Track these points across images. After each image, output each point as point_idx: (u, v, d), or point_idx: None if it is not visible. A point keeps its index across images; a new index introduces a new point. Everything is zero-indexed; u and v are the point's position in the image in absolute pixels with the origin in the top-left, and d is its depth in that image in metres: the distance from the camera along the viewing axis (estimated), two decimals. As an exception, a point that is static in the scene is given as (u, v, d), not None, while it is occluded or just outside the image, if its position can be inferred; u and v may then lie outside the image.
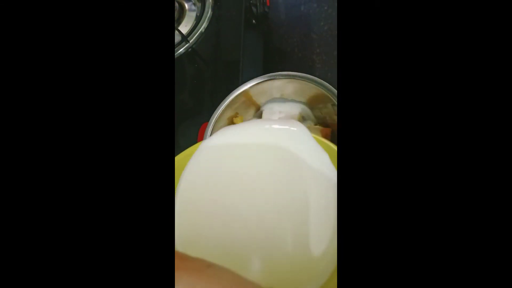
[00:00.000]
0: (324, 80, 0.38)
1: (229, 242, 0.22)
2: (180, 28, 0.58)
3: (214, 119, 0.39)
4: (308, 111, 0.43)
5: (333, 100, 0.37)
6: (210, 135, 0.38)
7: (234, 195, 0.24)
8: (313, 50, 0.66)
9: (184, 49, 0.56)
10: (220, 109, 0.40)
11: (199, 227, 0.24)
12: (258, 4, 0.60)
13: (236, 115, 0.43)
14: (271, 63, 0.66)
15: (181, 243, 0.23)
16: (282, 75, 0.40)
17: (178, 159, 0.27)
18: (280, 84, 0.41)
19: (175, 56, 0.56)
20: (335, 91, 0.37)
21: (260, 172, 0.25)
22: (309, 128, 0.41)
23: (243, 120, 0.43)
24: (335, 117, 0.40)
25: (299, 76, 0.39)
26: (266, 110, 0.44)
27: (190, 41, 0.56)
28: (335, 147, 0.24)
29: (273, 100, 0.44)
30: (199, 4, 0.62)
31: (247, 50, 0.55)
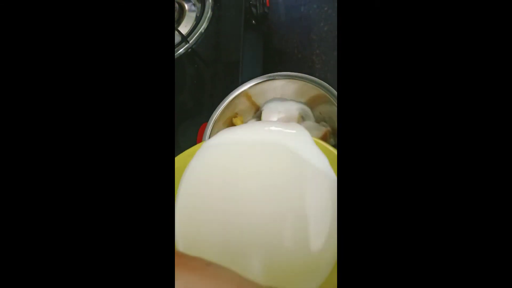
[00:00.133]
0: (323, 81, 0.38)
1: (230, 241, 0.23)
2: (180, 28, 0.58)
3: (213, 119, 0.39)
4: (307, 111, 0.43)
5: (333, 100, 0.37)
6: (210, 135, 0.38)
7: (235, 194, 0.24)
8: (312, 50, 0.66)
9: (184, 49, 0.56)
10: (220, 109, 0.40)
11: (200, 226, 0.24)
12: (258, 4, 0.60)
13: (235, 115, 0.43)
14: (270, 63, 0.66)
15: (182, 242, 0.23)
16: (281, 76, 0.40)
17: (177, 159, 0.27)
18: (280, 85, 0.41)
19: (175, 57, 0.56)
20: (335, 91, 0.37)
21: (260, 171, 0.25)
22: (309, 127, 0.42)
23: (242, 120, 0.43)
24: (335, 118, 0.40)
25: (299, 77, 0.39)
26: (266, 110, 0.44)
27: (190, 42, 0.56)
28: (333, 150, 0.24)
29: (273, 100, 0.44)
30: (199, 5, 0.62)
31: (247, 51, 0.55)
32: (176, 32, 0.56)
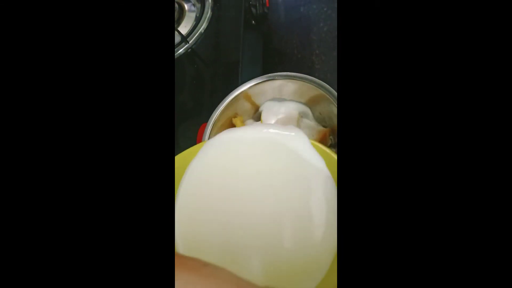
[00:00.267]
0: (323, 81, 0.38)
1: (230, 241, 0.23)
2: (179, 28, 0.58)
3: (213, 120, 0.39)
4: (307, 111, 0.43)
5: (332, 101, 0.37)
6: (209, 135, 0.38)
7: (235, 194, 0.24)
8: (312, 51, 0.66)
9: (183, 49, 0.56)
10: (220, 109, 0.40)
11: (200, 226, 0.24)
12: (257, 5, 0.60)
13: (235, 116, 0.43)
14: (270, 63, 0.66)
15: (181, 243, 0.23)
16: (281, 76, 0.40)
17: (177, 159, 0.27)
18: (280, 85, 0.41)
19: (175, 57, 0.56)
20: (334, 92, 0.37)
21: (260, 171, 0.25)
22: (308, 127, 0.42)
23: (242, 120, 0.43)
24: (334, 118, 0.40)
25: (298, 77, 0.39)
26: (266, 111, 0.44)
27: (190, 42, 0.56)
28: (330, 152, 0.25)
29: (273, 100, 0.44)
30: (198, 5, 0.63)
31: (247, 51, 0.55)
32: (175, 32, 0.56)
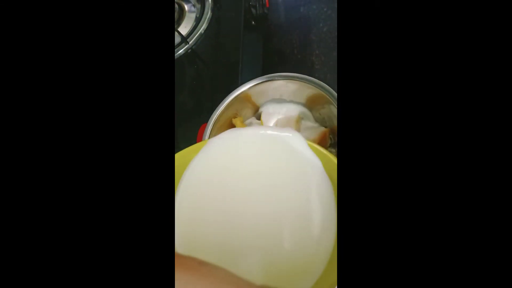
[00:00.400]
0: (323, 81, 0.38)
1: (229, 241, 0.23)
2: (179, 29, 0.58)
3: (213, 120, 0.39)
4: (307, 112, 0.43)
5: (332, 101, 0.37)
6: (209, 135, 0.38)
7: (234, 194, 0.24)
8: (312, 51, 0.66)
9: (183, 50, 0.56)
10: (219, 110, 0.40)
11: (199, 226, 0.24)
12: (257, 5, 0.61)
13: (235, 116, 0.43)
14: (270, 64, 0.66)
15: (181, 242, 0.23)
16: (281, 76, 0.40)
17: (177, 157, 0.27)
18: (279, 85, 0.41)
19: (175, 57, 0.56)
20: (334, 92, 0.37)
21: (260, 171, 0.25)
22: (308, 127, 0.42)
23: (242, 121, 0.43)
24: (333, 118, 0.40)
25: (298, 77, 0.39)
26: (265, 111, 0.44)
27: (190, 42, 0.56)
28: (327, 153, 0.25)
29: (272, 101, 0.44)
30: (198, 6, 0.63)
31: (247, 51, 0.55)
32: (176, 33, 0.56)
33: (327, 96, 0.37)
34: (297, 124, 0.42)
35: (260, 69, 0.60)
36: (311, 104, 0.42)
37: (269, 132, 0.27)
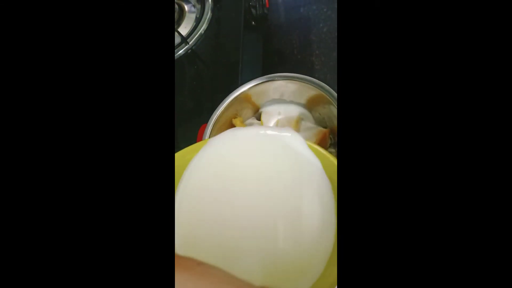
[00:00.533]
0: (323, 82, 0.38)
1: (228, 242, 0.23)
2: (179, 29, 0.58)
3: (213, 120, 0.39)
4: (306, 112, 0.43)
5: (332, 101, 0.37)
6: (209, 136, 0.38)
7: (233, 196, 0.24)
8: (312, 51, 0.66)
9: (183, 50, 0.56)
10: (219, 110, 0.40)
11: (198, 228, 0.24)
12: (257, 6, 0.61)
13: (235, 116, 0.43)
14: (270, 64, 0.66)
15: (180, 243, 0.23)
16: (281, 77, 0.40)
17: (176, 156, 0.27)
18: (279, 86, 0.41)
19: (175, 58, 0.56)
20: (334, 92, 0.37)
21: (259, 171, 0.25)
22: (308, 128, 0.42)
23: (242, 121, 0.43)
24: (333, 118, 0.40)
25: (298, 78, 0.39)
26: (265, 111, 0.44)
27: (190, 43, 0.56)
28: (326, 154, 0.25)
29: (272, 101, 0.44)
30: (198, 6, 0.63)
31: (247, 52, 0.55)
32: (176, 33, 0.56)
33: (327, 97, 0.37)
34: (297, 124, 0.42)
35: (260, 69, 0.60)
36: (311, 104, 0.42)
37: (268, 132, 0.27)
